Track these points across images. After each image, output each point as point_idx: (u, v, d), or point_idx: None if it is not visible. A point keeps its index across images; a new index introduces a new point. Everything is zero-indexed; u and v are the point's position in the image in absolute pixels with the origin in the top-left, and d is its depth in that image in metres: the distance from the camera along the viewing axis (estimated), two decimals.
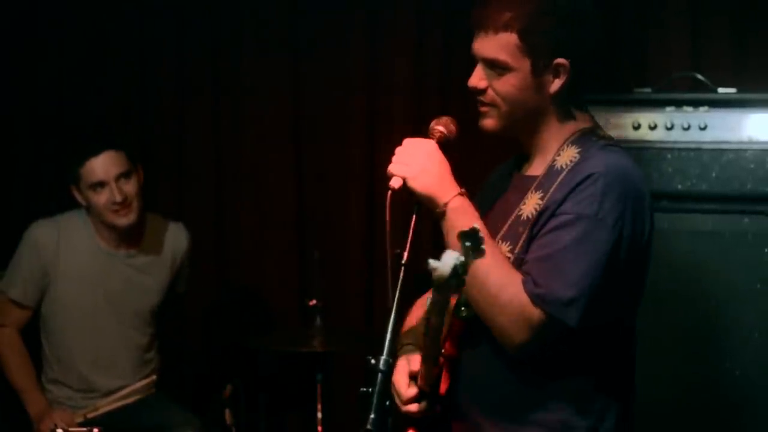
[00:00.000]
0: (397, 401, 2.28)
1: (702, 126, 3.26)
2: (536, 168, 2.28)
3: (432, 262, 1.77)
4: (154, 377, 3.67)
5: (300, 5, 4.16)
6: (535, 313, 2.09)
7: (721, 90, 3.31)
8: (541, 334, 2.10)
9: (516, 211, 2.23)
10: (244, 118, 4.23)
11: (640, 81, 3.55)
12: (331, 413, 3.74)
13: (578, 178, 2.14)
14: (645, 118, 3.29)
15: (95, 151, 3.46)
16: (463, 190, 2.19)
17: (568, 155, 2.22)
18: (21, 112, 4.26)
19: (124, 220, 3.51)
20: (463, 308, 2.18)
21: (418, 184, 2.17)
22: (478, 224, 2.09)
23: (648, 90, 3.39)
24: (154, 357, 3.73)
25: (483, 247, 1.80)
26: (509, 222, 2.23)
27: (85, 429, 3.33)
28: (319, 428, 3.59)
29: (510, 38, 2.16)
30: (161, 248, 3.68)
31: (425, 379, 2.24)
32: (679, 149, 3.27)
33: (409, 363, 2.29)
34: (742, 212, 3.24)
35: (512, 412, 2.23)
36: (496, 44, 2.18)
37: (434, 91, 4.05)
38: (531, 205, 2.21)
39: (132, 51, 4.25)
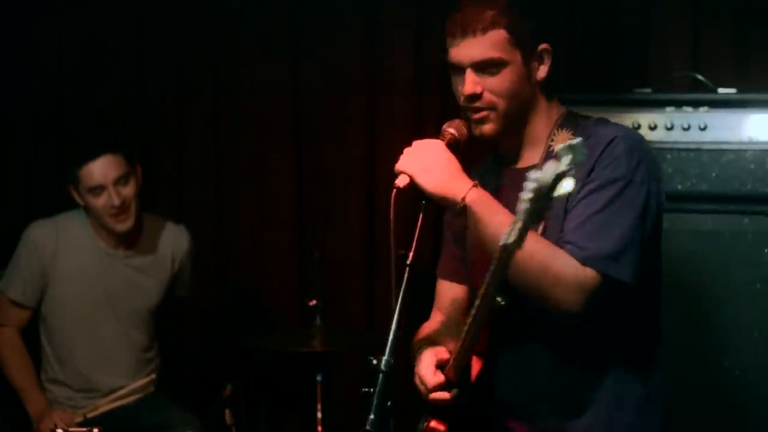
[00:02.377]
0: (422, 390, 2.29)
1: (702, 126, 3.26)
2: (530, 158, 2.33)
3: (532, 173, 1.76)
4: (153, 375, 3.67)
5: (300, 5, 4.16)
6: (589, 275, 2.12)
7: (721, 90, 3.32)
8: (597, 296, 2.13)
9: None
10: (244, 118, 4.23)
11: (640, 81, 3.56)
12: (331, 413, 3.74)
13: (599, 148, 2.19)
14: (645, 118, 3.29)
15: (94, 155, 3.45)
16: (476, 182, 2.21)
17: (563, 139, 2.28)
18: (21, 112, 4.26)
19: (122, 226, 3.51)
20: (498, 298, 2.17)
21: (429, 184, 2.18)
22: (503, 209, 2.16)
23: (648, 90, 3.39)
24: (154, 356, 3.73)
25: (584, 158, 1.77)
26: None
27: (85, 429, 3.34)
28: (319, 428, 3.59)
29: (499, 34, 2.22)
30: (160, 249, 3.68)
31: (455, 369, 2.24)
32: (679, 149, 3.27)
33: (436, 353, 2.30)
34: (742, 212, 3.24)
35: (563, 396, 2.27)
36: (487, 43, 2.22)
37: (434, 91, 4.04)
38: None
39: (132, 51, 4.25)
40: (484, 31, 2.21)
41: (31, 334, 3.65)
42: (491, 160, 2.46)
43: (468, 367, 2.27)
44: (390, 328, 2.06)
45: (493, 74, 2.23)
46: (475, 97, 2.25)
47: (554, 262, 2.12)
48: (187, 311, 4.05)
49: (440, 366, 2.28)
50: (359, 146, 4.13)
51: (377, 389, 2.01)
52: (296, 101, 4.19)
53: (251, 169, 4.23)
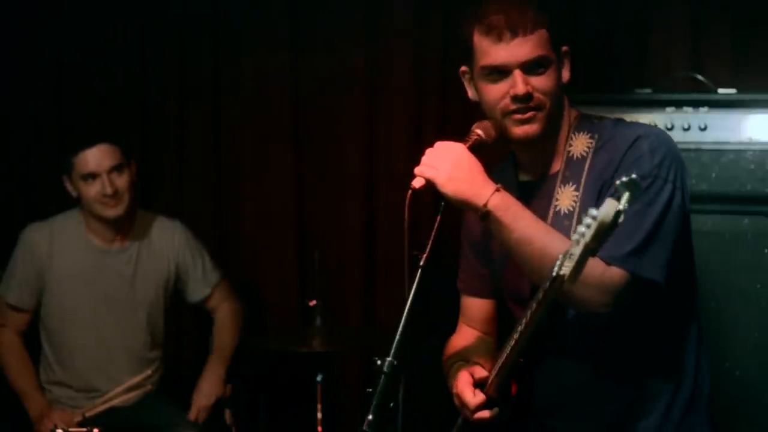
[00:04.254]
0: (465, 412, 2.28)
1: (702, 126, 3.26)
2: (551, 166, 2.32)
3: (592, 210, 1.73)
4: (149, 372, 3.65)
5: (300, 5, 4.16)
6: (615, 275, 2.12)
7: (721, 90, 3.32)
8: (624, 295, 2.13)
9: (552, 209, 2.26)
10: (244, 118, 4.23)
11: (640, 81, 3.56)
12: (331, 413, 3.74)
13: (622, 149, 2.19)
14: (645, 118, 3.28)
15: (90, 143, 3.47)
16: (499, 186, 2.18)
17: (582, 143, 2.27)
18: (20, 113, 4.25)
19: (112, 212, 3.52)
20: None
21: (450, 190, 2.15)
22: (527, 212, 2.15)
23: (648, 90, 3.39)
24: (157, 356, 3.71)
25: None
26: (549, 221, 2.24)
27: (84, 429, 3.34)
28: (319, 428, 3.60)
29: (543, 33, 2.22)
30: (155, 244, 3.68)
31: (496, 386, 2.23)
32: (679, 150, 3.27)
33: (472, 372, 2.30)
34: (742, 213, 3.24)
35: (604, 407, 2.28)
36: (535, 42, 2.21)
37: (434, 91, 4.04)
38: (567, 198, 2.24)
39: (132, 51, 4.25)
40: (532, 30, 2.20)
41: (33, 335, 3.65)
42: (507, 166, 2.43)
43: (508, 383, 2.25)
44: (398, 329, 2.05)
45: (539, 74, 2.22)
46: (528, 97, 2.22)
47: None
48: (184, 306, 3.96)
49: (478, 384, 2.27)
50: (359, 146, 4.13)
51: (377, 390, 2.01)
52: (296, 101, 4.19)
53: (251, 169, 4.23)
